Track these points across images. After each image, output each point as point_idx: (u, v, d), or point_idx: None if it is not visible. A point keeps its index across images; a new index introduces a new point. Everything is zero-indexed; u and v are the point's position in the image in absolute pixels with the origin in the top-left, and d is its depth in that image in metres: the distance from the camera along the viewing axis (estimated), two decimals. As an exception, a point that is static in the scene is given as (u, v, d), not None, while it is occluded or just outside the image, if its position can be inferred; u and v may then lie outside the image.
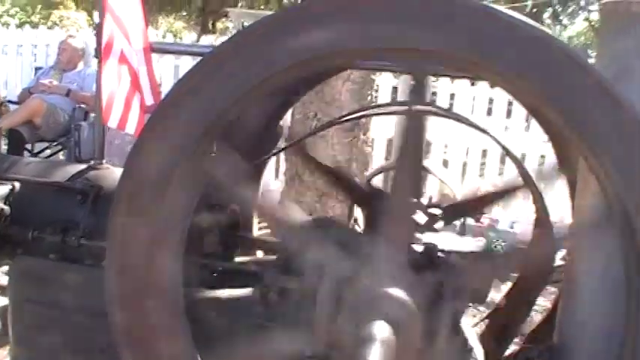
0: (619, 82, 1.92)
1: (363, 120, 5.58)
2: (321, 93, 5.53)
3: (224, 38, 10.18)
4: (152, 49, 3.39)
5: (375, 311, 1.67)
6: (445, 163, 8.63)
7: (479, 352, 1.97)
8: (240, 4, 20.12)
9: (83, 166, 2.56)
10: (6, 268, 2.52)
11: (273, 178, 8.98)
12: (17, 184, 2.46)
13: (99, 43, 2.98)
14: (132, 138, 3.47)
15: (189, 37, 15.71)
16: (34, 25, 14.06)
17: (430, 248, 1.92)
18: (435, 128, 8.21)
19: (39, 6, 19.60)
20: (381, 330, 1.61)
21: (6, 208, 2.40)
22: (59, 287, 2.31)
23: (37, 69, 9.08)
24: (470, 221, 6.89)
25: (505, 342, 2.39)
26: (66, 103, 8.01)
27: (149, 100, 3.29)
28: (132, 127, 3.21)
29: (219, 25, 22.62)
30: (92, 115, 8.09)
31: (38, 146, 8.21)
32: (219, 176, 1.81)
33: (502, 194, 2.30)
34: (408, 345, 1.67)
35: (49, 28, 13.54)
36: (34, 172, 2.56)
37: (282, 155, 5.83)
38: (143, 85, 3.24)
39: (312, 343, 1.83)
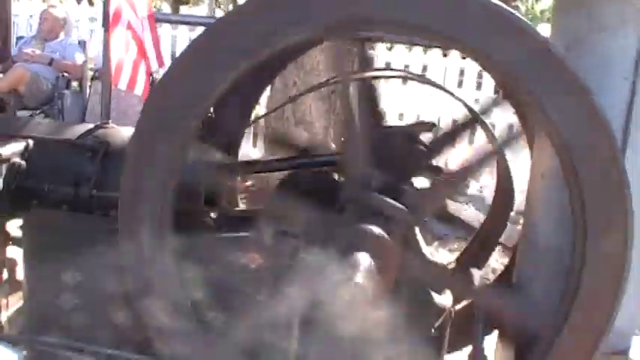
0: (571, 52, 2.21)
1: (339, 87, 5.81)
2: (300, 62, 5.76)
3: (198, 8, 10.37)
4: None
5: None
6: None
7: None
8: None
9: (91, 126, 2.77)
10: (17, 223, 2.68)
11: (251, 147, 9.21)
12: (31, 142, 2.65)
13: (106, 13, 3.21)
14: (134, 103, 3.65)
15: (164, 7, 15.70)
16: (16, -4, 13.93)
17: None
18: (407, 99, 8.49)
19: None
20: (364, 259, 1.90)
21: (22, 162, 2.58)
22: (72, 236, 2.51)
23: (18, 39, 9.13)
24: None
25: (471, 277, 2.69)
26: (49, 71, 8.11)
27: (154, 66, 3.52)
28: (140, 89, 3.44)
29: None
30: (74, 83, 8.26)
31: (21, 114, 8.30)
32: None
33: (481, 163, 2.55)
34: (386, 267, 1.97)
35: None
36: (46, 130, 2.76)
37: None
38: (148, 51, 3.47)
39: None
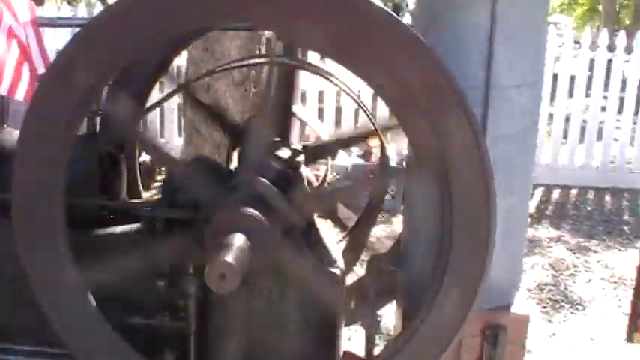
0: (430, 30, 2.35)
1: (253, 73, 5.94)
2: (211, 51, 5.85)
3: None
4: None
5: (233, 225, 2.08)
6: (320, 111, 9.00)
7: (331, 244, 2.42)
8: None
9: (-16, 130, 2.82)
10: None
11: (176, 136, 9.28)
12: None
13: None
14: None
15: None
16: None
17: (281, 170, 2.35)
18: (308, 78, 8.56)
19: None
20: (238, 239, 2.02)
21: None
22: None
23: None
24: (361, 161, 7.36)
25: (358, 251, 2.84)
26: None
27: (41, 69, 3.53)
28: (21, 94, 3.44)
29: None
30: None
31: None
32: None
33: (356, 139, 2.66)
34: (262, 247, 2.09)
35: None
36: None
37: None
38: (34, 56, 3.49)
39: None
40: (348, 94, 2.81)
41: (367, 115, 2.69)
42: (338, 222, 2.98)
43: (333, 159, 3.09)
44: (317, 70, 2.85)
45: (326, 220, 2.78)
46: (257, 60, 3.50)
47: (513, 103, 2.36)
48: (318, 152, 2.90)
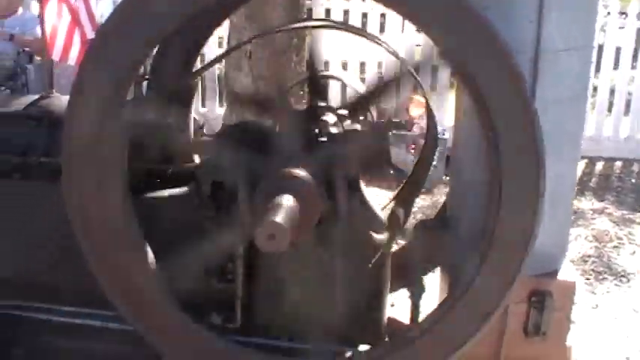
0: None
1: (295, 41, 5.92)
2: (253, 19, 5.84)
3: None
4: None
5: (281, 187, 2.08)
6: (362, 81, 8.96)
7: (377, 209, 2.41)
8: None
9: (36, 96, 2.87)
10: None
11: (217, 106, 9.31)
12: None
13: (40, -15, 3.27)
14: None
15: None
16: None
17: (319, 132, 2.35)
18: (348, 48, 8.50)
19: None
20: (287, 199, 2.02)
21: (-29, 137, 2.65)
22: (24, 202, 2.63)
23: (-25, 19, 9.08)
24: (403, 131, 7.32)
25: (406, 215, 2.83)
26: (10, 47, 8.11)
27: (90, 34, 3.57)
28: (74, 59, 3.49)
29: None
30: (37, 58, 8.26)
31: (-16, 91, 8.31)
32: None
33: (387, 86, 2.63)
34: (310, 207, 2.10)
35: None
36: None
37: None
38: (83, 20, 3.53)
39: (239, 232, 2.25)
40: (395, 55, 2.79)
41: (414, 77, 2.66)
42: (391, 165, 2.93)
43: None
44: (362, 34, 2.84)
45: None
46: (300, 24, 3.46)
47: (563, 67, 2.33)
48: (359, 106, 2.88)
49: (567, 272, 2.59)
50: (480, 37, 2.00)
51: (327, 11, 9.14)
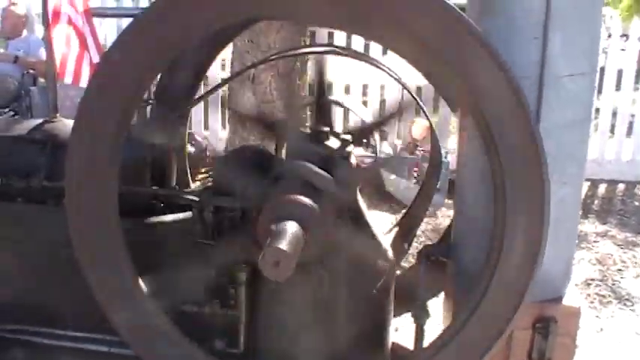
0: (483, 16, 2.32)
1: (298, 65, 5.93)
2: (256, 43, 5.86)
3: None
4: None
5: (285, 213, 2.07)
6: (364, 104, 8.99)
7: (380, 235, 2.41)
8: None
9: (40, 120, 2.87)
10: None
11: (220, 129, 9.33)
12: (-18, 140, 2.72)
13: (45, 9, 3.31)
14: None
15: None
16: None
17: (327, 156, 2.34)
18: (351, 71, 8.53)
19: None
20: (291, 226, 2.01)
21: (-25, 160, 2.64)
22: (27, 226, 2.63)
23: (-22, 39, 9.15)
24: (404, 154, 7.32)
25: (409, 241, 2.82)
26: (14, 69, 8.17)
27: (95, 58, 3.63)
28: (85, 82, 3.55)
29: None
30: (41, 80, 8.30)
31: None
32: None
33: (392, 116, 2.63)
34: (314, 233, 2.09)
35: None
36: None
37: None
38: (89, 44, 3.59)
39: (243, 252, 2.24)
40: (397, 80, 2.79)
41: (418, 103, 2.67)
42: (386, 195, 2.95)
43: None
44: (365, 59, 2.84)
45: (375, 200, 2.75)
46: (304, 50, 3.48)
47: (568, 92, 2.32)
48: (363, 134, 2.88)
49: (572, 297, 2.57)
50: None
51: (330, 34, 9.17)
